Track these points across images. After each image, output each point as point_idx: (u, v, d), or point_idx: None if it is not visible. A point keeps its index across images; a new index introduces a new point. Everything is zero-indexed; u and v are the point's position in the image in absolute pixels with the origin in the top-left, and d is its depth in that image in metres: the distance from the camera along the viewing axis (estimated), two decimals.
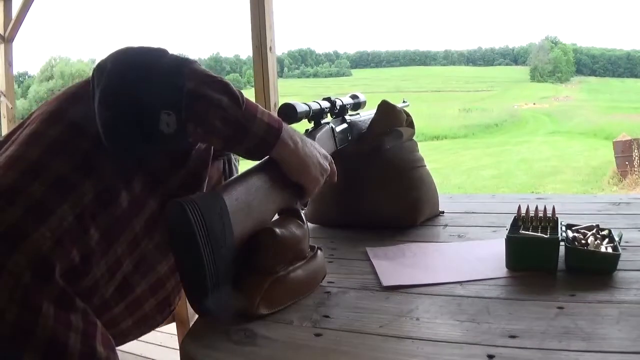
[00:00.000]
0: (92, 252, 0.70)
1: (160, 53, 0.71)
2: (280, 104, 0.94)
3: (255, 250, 0.74)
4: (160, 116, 0.68)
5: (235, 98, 0.73)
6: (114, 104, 0.69)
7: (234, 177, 0.78)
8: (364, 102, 1.24)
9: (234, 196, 0.73)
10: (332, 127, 1.06)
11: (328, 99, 1.08)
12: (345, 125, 1.14)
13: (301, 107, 0.95)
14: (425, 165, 1.27)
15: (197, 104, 0.70)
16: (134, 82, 0.69)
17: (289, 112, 0.93)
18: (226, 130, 0.73)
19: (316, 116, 1.03)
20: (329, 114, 1.09)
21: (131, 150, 0.74)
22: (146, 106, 0.68)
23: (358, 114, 1.24)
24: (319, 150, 0.88)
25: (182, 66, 0.70)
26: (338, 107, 1.11)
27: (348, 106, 1.16)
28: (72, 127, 0.74)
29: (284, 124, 0.80)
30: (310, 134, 0.99)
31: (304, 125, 1.02)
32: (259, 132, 0.76)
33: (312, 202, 1.20)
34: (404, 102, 1.38)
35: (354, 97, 1.20)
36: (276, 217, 0.82)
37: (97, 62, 0.73)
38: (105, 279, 0.72)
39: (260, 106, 0.78)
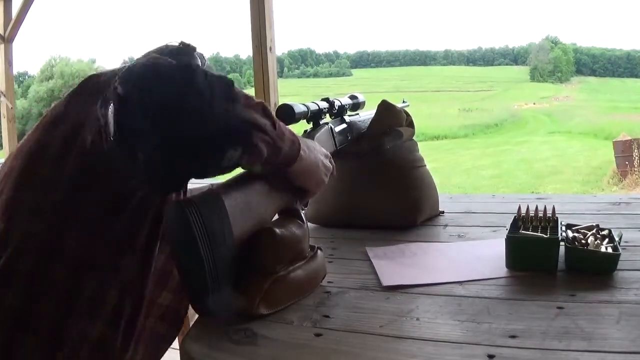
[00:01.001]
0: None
1: (195, 71, 0.63)
2: (279, 104, 0.93)
3: (255, 250, 0.74)
4: (226, 153, 0.64)
5: (273, 120, 0.71)
6: (170, 144, 0.61)
7: (233, 177, 0.78)
8: (363, 103, 1.24)
9: (233, 196, 0.73)
10: (331, 127, 1.06)
11: (326, 100, 1.08)
12: (344, 126, 1.14)
13: (299, 108, 0.95)
14: (425, 165, 1.27)
15: (252, 134, 0.67)
16: (191, 121, 0.61)
17: (287, 113, 0.92)
18: (267, 152, 0.70)
19: (314, 117, 1.02)
20: (327, 115, 1.09)
21: (174, 185, 0.71)
22: (209, 144, 0.62)
23: (357, 114, 1.24)
24: (321, 151, 0.87)
25: (229, 91, 0.65)
26: (337, 108, 1.10)
27: (347, 107, 1.16)
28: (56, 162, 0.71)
29: (299, 136, 0.79)
30: (308, 134, 0.99)
31: (302, 126, 1.02)
32: (285, 148, 0.74)
33: (313, 202, 1.20)
34: (403, 102, 1.38)
35: (352, 97, 1.19)
36: (276, 217, 0.82)
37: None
38: (120, 342, 0.71)
39: (279, 121, 0.74)
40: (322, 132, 1.02)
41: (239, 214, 0.72)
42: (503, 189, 9.88)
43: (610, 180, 10.33)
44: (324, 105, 1.05)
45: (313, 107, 1.01)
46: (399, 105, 1.29)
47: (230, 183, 0.75)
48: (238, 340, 0.67)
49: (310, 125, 1.04)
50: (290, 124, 0.91)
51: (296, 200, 0.85)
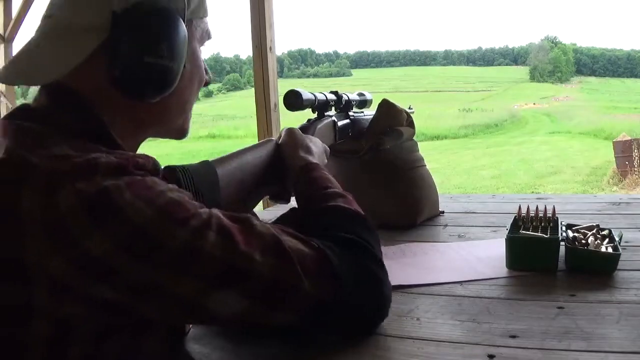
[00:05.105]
0: None
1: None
2: (285, 92, 0.94)
3: None
4: None
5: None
6: None
7: (232, 152, 0.79)
8: (370, 101, 1.24)
9: (227, 170, 0.74)
10: (334, 120, 1.07)
11: (335, 93, 1.08)
12: (347, 121, 1.14)
13: (306, 95, 0.95)
14: (425, 165, 1.27)
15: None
16: None
17: (295, 99, 0.93)
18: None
19: (320, 107, 1.03)
20: (333, 108, 1.10)
21: None
22: None
23: (362, 112, 1.24)
24: (320, 146, 0.90)
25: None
26: (344, 102, 1.11)
27: (354, 102, 1.16)
28: None
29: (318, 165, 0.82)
30: (312, 124, 1.00)
31: (306, 115, 1.02)
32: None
33: None
34: (409, 108, 1.38)
35: (360, 94, 1.20)
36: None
37: None
38: None
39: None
40: (324, 124, 1.02)
41: (230, 188, 0.73)
42: (503, 189, 9.86)
43: (610, 180, 10.31)
44: (332, 97, 1.06)
45: (320, 97, 1.01)
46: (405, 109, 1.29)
47: (227, 158, 0.76)
48: (238, 341, 0.67)
49: (315, 115, 1.04)
50: (296, 110, 0.93)
51: (284, 183, 0.86)
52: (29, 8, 3.94)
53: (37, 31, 0.61)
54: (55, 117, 0.57)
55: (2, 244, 0.49)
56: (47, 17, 0.60)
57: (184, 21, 0.62)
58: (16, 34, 4.00)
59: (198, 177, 0.68)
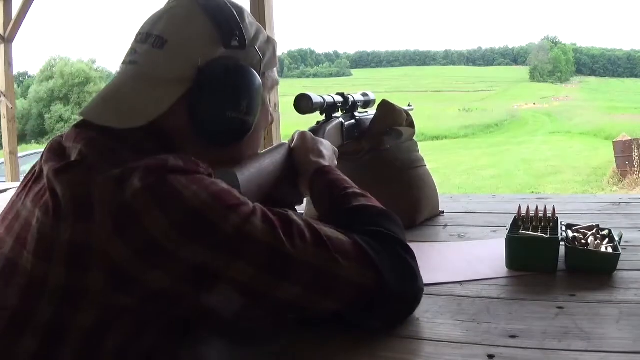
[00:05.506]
0: None
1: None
2: (295, 96, 0.96)
3: None
4: None
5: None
6: None
7: (250, 158, 0.80)
8: (373, 101, 1.25)
9: (247, 177, 0.75)
10: (342, 122, 1.08)
11: (341, 94, 1.10)
12: (353, 122, 1.16)
13: (317, 99, 0.98)
14: (425, 165, 1.27)
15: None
16: None
17: (305, 103, 0.95)
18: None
19: (329, 109, 1.05)
20: (340, 109, 1.11)
21: None
22: None
23: (366, 112, 1.25)
24: (330, 150, 0.92)
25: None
26: (350, 103, 1.12)
27: (359, 103, 1.17)
28: None
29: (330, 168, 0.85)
30: (321, 126, 1.01)
31: (315, 118, 1.04)
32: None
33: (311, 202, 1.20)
34: (409, 105, 1.38)
35: (364, 94, 1.21)
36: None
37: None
38: None
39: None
40: (333, 126, 1.04)
41: (249, 194, 0.74)
42: (503, 189, 9.87)
43: (610, 180, 10.32)
44: (339, 99, 1.08)
45: (329, 99, 1.03)
46: (405, 107, 1.29)
47: (247, 163, 0.77)
48: (238, 340, 0.67)
49: (323, 117, 1.05)
50: (306, 113, 0.96)
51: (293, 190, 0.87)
52: (29, 8, 3.95)
53: (121, 75, 0.67)
54: (128, 136, 0.61)
55: (74, 230, 0.53)
56: (131, 63, 0.66)
57: (259, 75, 0.69)
58: (16, 34, 4.01)
59: None
